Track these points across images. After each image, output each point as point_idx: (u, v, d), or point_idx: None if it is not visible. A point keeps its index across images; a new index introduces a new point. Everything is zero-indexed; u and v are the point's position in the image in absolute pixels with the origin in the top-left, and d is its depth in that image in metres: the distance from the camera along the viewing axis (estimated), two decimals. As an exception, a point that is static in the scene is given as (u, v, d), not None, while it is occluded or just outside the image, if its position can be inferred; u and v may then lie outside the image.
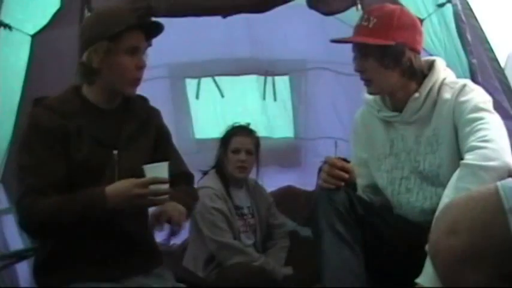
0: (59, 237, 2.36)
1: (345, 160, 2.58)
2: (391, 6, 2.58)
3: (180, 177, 2.58)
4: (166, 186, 2.26)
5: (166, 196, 2.28)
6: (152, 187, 2.23)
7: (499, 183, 1.80)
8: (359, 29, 2.53)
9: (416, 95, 2.51)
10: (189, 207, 2.52)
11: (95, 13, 2.53)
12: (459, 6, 2.99)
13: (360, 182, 2.68)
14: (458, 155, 2.38)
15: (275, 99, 4.79)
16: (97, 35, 2.32)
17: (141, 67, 2.39)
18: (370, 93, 2.60)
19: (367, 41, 2.48)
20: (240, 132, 3.74)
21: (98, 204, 2.22)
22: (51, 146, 2.30)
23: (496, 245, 1.72)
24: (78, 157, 2.32)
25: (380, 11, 2.53)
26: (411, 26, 2.55)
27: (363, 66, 2.53)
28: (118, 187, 2.23)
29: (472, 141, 2.30)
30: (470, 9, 3.07)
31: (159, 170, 2.26)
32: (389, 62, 2.49)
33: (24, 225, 2.34)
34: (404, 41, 2.49)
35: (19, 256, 2.75)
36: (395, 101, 2.57)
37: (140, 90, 2.49)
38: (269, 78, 4.76)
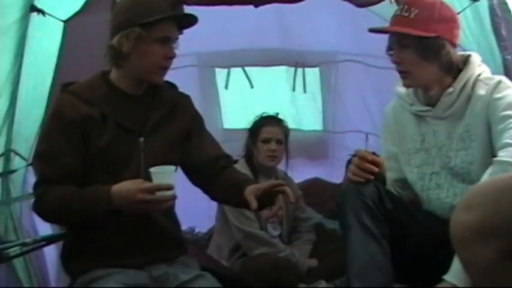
0: (74, 226, 2.39)
1: (374, 154, 2.56)
2: None
3: (224, 159, 2.58)
4: (171, 192, 2.22)
5: (171, 202, 2.27)
6: (158, 193, 2.20)
7: None
8: (399, 19, 2.50)
9: (451, 89, 2.48)
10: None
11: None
12: (494, 1, 2.95)
13: (389, 176, 2.65)
14: (490, 152, 2.36)
15: (305, 91, 4.77)
16: (130, 21, 2.32)
17: (170, 57, 2.38)
18: (406, 85, 2.57)
19: (410, 31, 2.45)
20: (269, 122, 3.74)
21: (101, 205, 2.22)
22: (70, 136, 2.30)
23: (507, 222, 1.73)
24: (101, 144, 2.32)
25: (421, 2, 2.49)
26: (451, 19, 2.52)
27: (401, 58, 2.50)
28: (123, 189, 2.21)
29: (506, 139, 2.27)
30: (506, 4, 3.02)
31: (165, 175, 2.22)
32: (429, 54, 2.46)
33: (37, 213, 2.38)
34: (445, 34, 2.47)
35: (48, 241, 2.78)
36: (429, 95, 2.54)
37: (169, 78, 2.49)
38: (299, 70, 4.73)
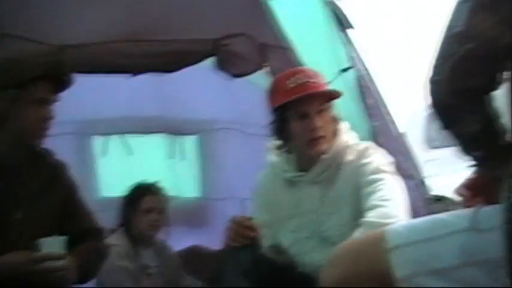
0: None
1: (251, 219, 2.60)
2: None
3: (89, 233, 2.52)
4: (62, 262, 2.17)
5: (62, 272, 2.20)
6: (47, 263, 2.14)
7: (387, 226, 1.92)
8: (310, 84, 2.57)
9: (325, 156, 2.58)
10: (92, 266, 2.46)
11: (2, 59, 2.45)
12: (361, 72, 3.12)
13: (264, 242, 2.69)
14: (360, 214, 2.45)
15: (183, 159, 4.80)
16: (3, 82, 2.27)
17: (48, 118, 2.34)
18: (322, 152, 2.60)
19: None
20: (150, 191, 3.72)
21: None
22: None
23: (367, 276, 1.80)
24: None
25: (311, 72, 2.63)
26: None
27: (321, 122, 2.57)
28: (9, 261, 2.13)
29: (373, 200, 2.39)
30: (371, 75, 3.22)
31: (55, 245, 2.17)
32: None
33: None
34: None
35: None
36: (305, 161, 2.62)
37: (45, 145, 2.45)
38: (177, 137, 4.76)
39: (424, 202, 3.11)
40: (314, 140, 2.55)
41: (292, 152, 2.63)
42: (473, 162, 1.78)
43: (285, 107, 2.54)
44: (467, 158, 1.76)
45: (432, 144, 7.41)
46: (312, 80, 2.56)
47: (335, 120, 2.61)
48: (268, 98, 2.63)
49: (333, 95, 2.62)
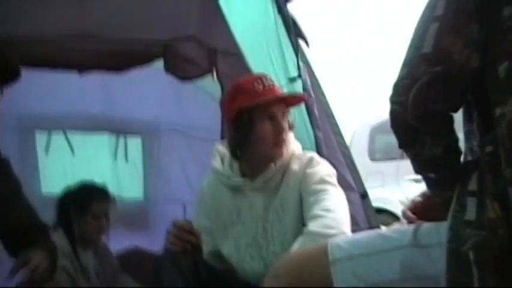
0: None
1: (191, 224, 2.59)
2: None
3: (33, 230, 2.48)
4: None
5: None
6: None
7: (330, 239, 1.95)
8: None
9: (273, 165, 2.59)
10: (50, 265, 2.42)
11: None
12: (308, 82, 3.15)
13: (204, 249, 2.68)
14: (302, 223, 2.47)
15: (126, 160, 4.75)
16: None
17: None
18: (282, 155, 2.61)
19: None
20: (100, 196, 3.65)
21: None
22: None
23: None
24: None
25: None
26: None
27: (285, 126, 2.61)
28: None
29: (315, 210, 2.41)
30: (319, 86, 3.25)
31: None
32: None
33: None
34: None
35: None
36: (251, 168, 2.63)
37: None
38: (121, 138, 4.70)
39: (366, 214, 3.15)
40: (279, 142, 2.58)
41: (241, 157, 2.63)
42: (425, 181, 1.81)
43: (252, 109, 2.56)
44: (421, 177, 1.79)
45: (375, 156, 7.53)
46: (276, 85, 2.64)
47: (291, 127, 2.64)
48: (231, 100, 2.63)
49: (300, 100, 2.78)
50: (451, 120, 1.69)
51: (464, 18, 1.60)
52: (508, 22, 1.58)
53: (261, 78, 2.64)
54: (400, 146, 1.74)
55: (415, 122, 1.65)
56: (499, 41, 1.59)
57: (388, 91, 1.71)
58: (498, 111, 1.58)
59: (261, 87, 2.58)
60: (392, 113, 1.70)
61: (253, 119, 2.56)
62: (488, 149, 1.63)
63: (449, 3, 1.62)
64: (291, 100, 2.69)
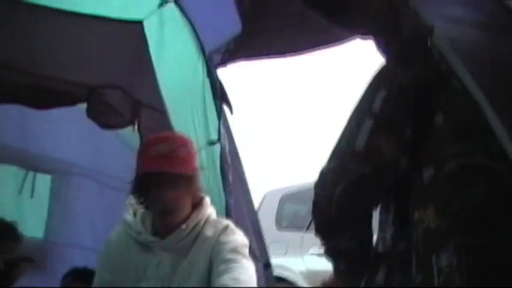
0: None
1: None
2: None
3: None
4: None
5: None
6: None
7: None
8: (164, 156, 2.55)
9: (184, 226, 2.58)
10: None
11: None
12: (227, 148, 3.19)
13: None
14: (209, 289, 2.48)
15: (32, 196, 4.63)
16: None
17: None
18: (172, 223, 2.57)
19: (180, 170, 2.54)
20: (10, 235, 3.53)
21: None
22: None
23: None
24: None
25: (178, 140, 2.63)
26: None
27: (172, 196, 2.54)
28: None
29: (225, 280, 2.43)
30: (237, 153, 3.29)
31: None
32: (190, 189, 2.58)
33: None
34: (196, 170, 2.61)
35: None
36: (161, 227, 2.61)
37: None
38: (30, 173, 4.61)
39: (267, 283, 3.17)
40: (164, 212, 2.57)
41: (152, 215, 2.62)
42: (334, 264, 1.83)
43: (146, 174, 2.56)
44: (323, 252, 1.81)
45: (282, 224, 7.60)
46: (175, 153, 2.55)
47: (197, 192, 2.63)
48: (136, 158, 2.62)
49: (184, 177, 2.59)
50: (370, 216, 1.73)
51: (399, 121, 1.63)
52: (438, 131, 1.60)
53: (161, 141, 2.58)
54: (317, 231, 1.77)
55: (337, 217, 1.68)
56: (428, 148, 1.61)
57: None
58: (417, 215, 1.60)
59: (155, 153, 2.53)
60: (316, 204, 1.73)
61: (146, 184, 2.56)
62: (401, 247, 1.65)
63: (386, 102, 1.65)
64: (178, 176, 2.57)
